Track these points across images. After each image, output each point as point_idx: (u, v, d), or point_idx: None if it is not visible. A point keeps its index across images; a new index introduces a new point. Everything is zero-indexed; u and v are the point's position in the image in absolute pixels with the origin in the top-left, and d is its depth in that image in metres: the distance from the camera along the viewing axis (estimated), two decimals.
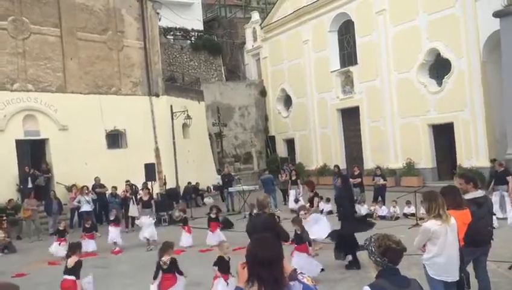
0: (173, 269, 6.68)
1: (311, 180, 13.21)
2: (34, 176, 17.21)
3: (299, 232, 8.05)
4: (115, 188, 16.95)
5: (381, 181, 16.46)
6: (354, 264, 8.68)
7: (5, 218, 15.05)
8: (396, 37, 21.85)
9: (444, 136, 20.50)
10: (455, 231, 4.79)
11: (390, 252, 2.94)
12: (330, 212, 14.52)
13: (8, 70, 17.45)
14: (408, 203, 14.48)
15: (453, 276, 4.73)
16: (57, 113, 18.32)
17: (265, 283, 2.51)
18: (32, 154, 18.18)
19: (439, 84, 20.49)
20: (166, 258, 6.64)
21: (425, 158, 20.99)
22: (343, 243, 8.90)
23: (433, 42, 20.27)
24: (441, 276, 4.71)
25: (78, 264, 7.12)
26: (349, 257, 8.81)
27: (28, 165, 17.48)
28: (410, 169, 20.94)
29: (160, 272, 6.70)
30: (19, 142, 17.47)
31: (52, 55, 18.63)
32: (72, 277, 6.94)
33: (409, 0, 20.98)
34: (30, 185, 16.94)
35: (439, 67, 20.70)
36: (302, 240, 7.98)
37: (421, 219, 13.09)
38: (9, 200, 15.86)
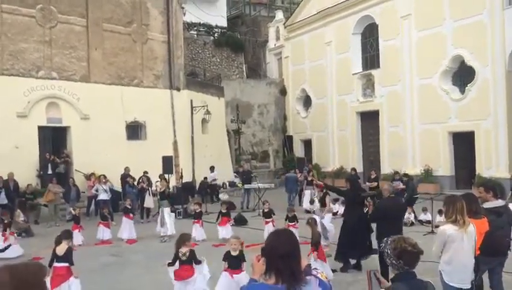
0: (192, 260, 6.76)
1: (320, 184, 13.25)
2: (54, 162, 17.51)
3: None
4: (132, 178, 17.14)
5: (401, 185, 16.30)
6: (356, 267, 8.72)
7: (26, 202, 15.36)
8: (421, 42, 21.64)
9: (464, 144, 20.24)
10: (473, 238, 4.76)
11: (406, 255, 2.94)
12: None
13: (34, 58, 17.76)
14: (424, 210, 14.38)
15: (468, 283, 4.71)
16: (80, 102, 18.59)
17: (283, 276, 2.54)
18: (54, 141, 18.50)
19: (462, 91, 20.24)
20: (185, 250, 6.73)
21: (444, 166, 20.77)
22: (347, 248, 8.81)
23: (458, 49, 20.02)
24: (455, 282, 4.69)
25: (69, 251, 7.11)
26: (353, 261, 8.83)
27: (49, 151, 17.79)
28: (427, 176, 20.75)
29: (178, 262, 6.79)
30: (41, 129, 17.78)
31: (78, 45, 18.91)
32: (65, 264, 6.90)
33: (435, 6, 20.74)
34: (50, 172, 17.24)
35: (462, 75, 20.45)
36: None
37: (436, 226, 13.00)
38: (28, 185, 16.19)
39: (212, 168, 21.07)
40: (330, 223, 10.88)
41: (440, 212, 13.77)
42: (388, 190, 7.91)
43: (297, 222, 11.31)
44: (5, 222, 11.35)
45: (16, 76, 17.24)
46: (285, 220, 11.27)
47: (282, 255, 2.57)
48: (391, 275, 3.12)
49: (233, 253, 6.81)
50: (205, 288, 6.93)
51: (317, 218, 9.63)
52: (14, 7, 17.24)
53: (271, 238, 2.71)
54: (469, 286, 4.74)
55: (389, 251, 3.01)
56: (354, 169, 19.95)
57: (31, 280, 1.96)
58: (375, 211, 8.01)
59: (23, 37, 17.50)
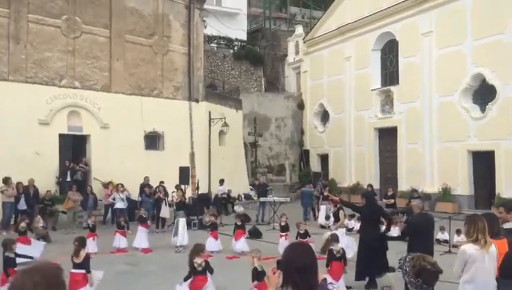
0: (207, 270, 6.79)
1: (335, 200, 13.15)
2: (73, 170, 17.76)
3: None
4: (150, 188, 17.27)
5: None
6: (371, 286, 8.60)
7: (46, 208, 15.58)
8: (441, 59, 21.52)
9: (483, 163, 19.94)
10: (494, 258, 4.69)
11: (425, 273, 2.91)
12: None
13: (57, 67, 18.14)
14: (442, 229, 14.17)
15: None
16: (100, 111, 18.87)
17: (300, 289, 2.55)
18: (74, 149, 18.77)
19: (483, 110, 20.02)
20: (200, 260, 6.76)
21: (463, 185, 20.48)
22: (366, 264, 8.70)
23: (479, 67, 19.86)
24: None
25: (87, 258, 7.27)
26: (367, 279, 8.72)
27: (69, 159, 18.06)
28: (445, 194, 20.47)
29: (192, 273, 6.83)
30: (62, 137, 18.05)
31: (100, 55, 19.26)
32: (82, 271, 7.06)
33: (456, 24, 20.64)
34: (69, 179, 17.49)
35: (483, 93, 20.24)
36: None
37: (454, 246, 12.82)
38: (47, 192, 16.42)
39: (221, 181, 20.92)
40: (345, 238, 10.79)
41: (458, 231, 13.61)
42: (418, 206, 7.94)
43: (310, 237, 11.25)
44: (22, 228, 11.50)
45: (39, 84, 17.60)
46: (296, 237, 11.15)
47: (299, 269, 2.58)
48: None
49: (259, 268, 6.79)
50: None
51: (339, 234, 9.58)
52: (40, 17, 17.67)
53: (288, 251, 2.72)
54: None
55: (407, 269, 2.98)
56: (370, 185, 19.81)
57: (57, 280, 2.05)
58: (407, 227, 8.04)
59: (48, 46, 17.90)
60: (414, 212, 7.94)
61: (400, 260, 3.13)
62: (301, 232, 11.25)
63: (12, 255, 7.98)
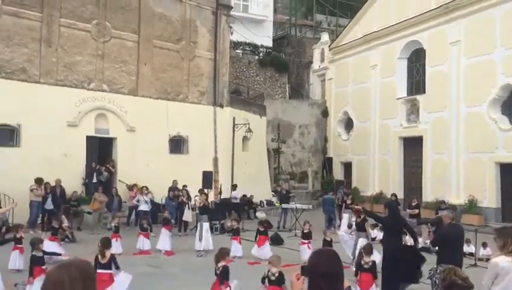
0: (222, 276, 6.81)
1: (358, 209, 12.99)
2: (100, 172, 18.06)
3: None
4: (177, 191, 17.43)
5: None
6: None
7: (71, 209, 15.89)
8: (469, 69, 21.18)
9: (511, 176, 19.52)
10: None
11: (455, 288, 2.84)
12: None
13: (87, 70, 18.53)
14: (467, 241, 13.86)
15: None
16: (127, 114, 19.18)
17: None
18: (100, 151, 19.12)
19: (511, 121, 19.61)
20: (220, 264, 6.81)
21: (490, 197, 20.05)
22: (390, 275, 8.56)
23: (509, 78, 19.48)
24: None
25: (112, 258, 7.42)
26: None
27: (96, 161, 18.38)
28: (471, 207, 20.08)
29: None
30: (89, 139, 18.40)
31: (128, 59, 19.60)
32: (108, 271, 7.18)
33: (486, 33, 20.30)
34: (95, 180, 17.80)
35: None
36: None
37: (480, 259, 12.57)
38: (74, 192, 16.76)
39: (234, 187, 20.69)
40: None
41: (484, 245, 13.35)
42: (449, 217, 7.86)
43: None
44: (54, 226, 11.76)
45: (69, 87, 18.00)
46: (323, 245, 11.05)
47: (324, 274, 2.58)
48: None
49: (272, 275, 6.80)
50: None
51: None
52: (72, 21, 18.10)
53: (314, 256, 2.72)
54: None
55: (437, 281, 2.94)
56: (394, 195, 19.51)
57: (91, 276, 2.12)
58: (436, 238, 8.01)
59: (78, 50, 18.31)
60: (444, 223, 7.85)
61: (430, 270, 3.09)
62: (328, 239, 11.18)
63: (40, 254, 8.15)
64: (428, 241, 14.53)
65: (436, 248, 7.70)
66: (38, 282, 7.62)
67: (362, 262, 8.07)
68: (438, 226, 10.04)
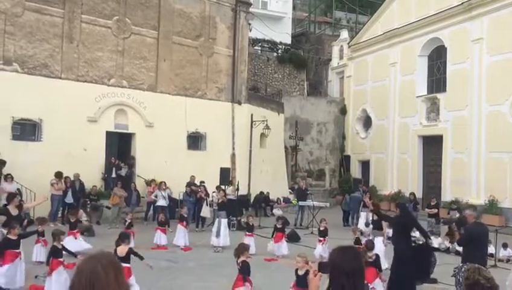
0: (243, 271, 6.84)
1: (376, 203, 12.90)
2: (119, 167, 18.26)
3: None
4: (194, 186, 17.52)
5: (457, 215, 15.89)
6: None
7: (88, 203, 16.10)
8: (492, 67, 20.83)
9: None
10: None
11: (477, 288, 2.79)
12: None
13: (107, 66, 18.72)
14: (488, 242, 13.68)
15: None
16: (146, 110, 19.32)
17: None
18: (119, 146, 19.33)
19: None
20: (240, 260, 6.84)
21: (510, 197, 19.73)
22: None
23: None
24: None
25: (130, 252, 7.53)
26: None
27: (115, 156, 18.59)
28: (492, 207, 19.78)
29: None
30: (108, 134, 18.59)
31: (148, 56, 19.74)
32: (127, 264, 7.28)
33: (509, 30, 19.92)
34: (114, 175, 18.00)
35: None
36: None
37: (500, 260, 12.38)
38: (93, 187, 17.00)
39: (230, 183, 18.98)
40: (382, 247, 10.61)
41: (504, 245, 13.16)
42: (473, 216, 7.93)
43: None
44: (72, 221, 11.93)
45: (89, 82, 18.21)
46: (354, 243, 10.88)
47: (347, 273, 2.58)
48: None
49: (300, 272, 6.78)
50: None
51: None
52: (93, 18, 18.30)
53: (337, 254, 2.72)
54: None
55: (460, 279, 2.91)
56: (413, 194, 19.37)
57: (120, 266, 2.19)
58: (464, 236, 8.00)
59: (99, 46, 18.51)
60: (468, 222, 7.85)
61: (455, 268, 3.07)
62: (360, 238, 11.10)
63: (59, 246, 8.28)
64: (446, 242, 14.42)
65: (460, 247, 7.69)
66: (56, 274, 7.75)
67: (366, 257, 8.05)
68: (462, 225, 9.99)
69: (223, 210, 13.55)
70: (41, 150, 16.51)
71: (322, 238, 12.26)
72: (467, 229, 8.11)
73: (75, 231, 11.60)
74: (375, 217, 12.17)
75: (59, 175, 15.73)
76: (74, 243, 11.00)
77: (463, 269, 2.87)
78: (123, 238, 7.88)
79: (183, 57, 20.80)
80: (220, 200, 13.74)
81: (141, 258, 7.81)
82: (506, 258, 12.84)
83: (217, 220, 13.45)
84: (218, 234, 12.87)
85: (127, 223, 12.72)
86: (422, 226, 10.99)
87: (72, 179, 16.40)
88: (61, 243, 8.37)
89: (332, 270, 2.63)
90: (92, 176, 17.38)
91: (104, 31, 18.63)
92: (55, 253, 8.07)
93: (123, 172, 18.15)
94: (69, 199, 16.06)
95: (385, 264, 9.61)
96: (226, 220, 13.42)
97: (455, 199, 21.08)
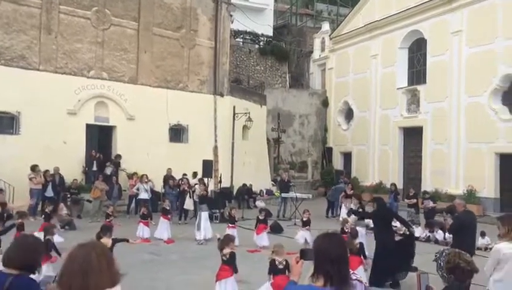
0: (231, 262, 6.85)
1: (359, 193, 13.11)
2: (100, 160, 18.04)
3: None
4: (173, 180, 17.44)
5: (431, 204, 16.29)
6: (393, 286, 8.53)
7: (69, 196, 15.90)
8: (471, 59, 21.11)
9: (511, 166, 19.53)
10: None
11: (458, 271, 2.88)
12: None
13: (86, 58, 18.43)
14: None
15: None
16: (127, 102, 19.11)
17: (333, 279, 2.56)
18: (100, 139, 19.11)
19: None
20: (226, 251, 6.84)
21: (488, 187, 20.10)
22: (380, 270, 8.62)
23: (510, 68, 19.43)
24: None
25: (114, 243, 7.55)
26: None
27: (95, 149, 18.37)
28: (470, 197, 20.08)
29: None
30: (88, 127, 18.37)
31: (128, 47, 19.49)
32: None
33: (488, 23, 20.20)
34: (95, 168, 17.80)
35: None
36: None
37: (478, 248, 12.61)
38: (74, 180, 16.79)
39: (194, 174, 18.54)
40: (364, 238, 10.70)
41: (482, 234, 13.41)
42: (462, 204, 8.24)
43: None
44: (48, 212, 11.76)
45: (68, 74, 17.92)
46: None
47: (332, 259, 2.58)
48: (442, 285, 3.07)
49: (280, 265, 6.81)
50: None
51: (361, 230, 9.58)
52: (71, 9, 17.98)
53: (322, 241, 2.72)
54: None
55: (442, 263, 2.96)
56: (394, 184, 19.61)
57: (111, 253, 2.27)
58: (455, 224, 8.26)
59: (78, 37, 18.21)
60: (458, 210, 8.10)
61: (436, 253, 3.11)
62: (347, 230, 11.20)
63: (52, 241, 8.22)
64: (426, 231, 14.65)
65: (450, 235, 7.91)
66: (46, 267, 7.71)
67: (351, 245, 8.14)
68: (452, 214, 10.30)
69: (204, 203, 13.55)
70: (19, 143, 16.22)
71: (304, 228, 12.35)
72: (457, 217, 8.31)
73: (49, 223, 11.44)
74: (358, 206, 12.33)
75: (34, 168, 15.49)
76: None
77: (444, 254, 2.93)
78: (105, 231, 7.80)
79: (164, 49, 20.59)
80: (201, 193, 13.73)
81: (127, 240, 8.06)
82: (485, 246, 13.08)
83: (198, 213, 13.43)
84: (199, 227, 12.85)
85: (105, 215, 12.66)
86: (403, 216, 11.20)
87: (51, 172, 16.17)
88: (53, 235, 8.29)
89: (317, 256, 2.63)
90: (72, 170, 17.16)
91: (83, 22, 18.33)
92: (50, 247, 8.04)
93: (108, 171, 17.85)
94: (49, 192, 15.84)
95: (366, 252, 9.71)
96: (206, 213, 13.39)
97: (435, 189, 21.40)
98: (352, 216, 15.09)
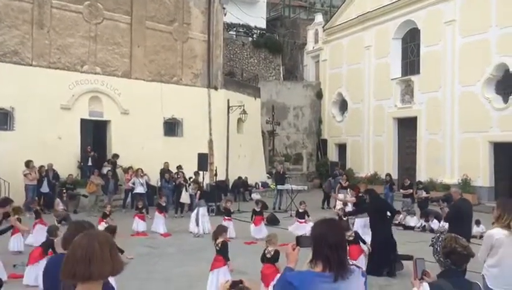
0: (223, 251, 6.88)
1: (357, 185, 13.18)
2: (94, 158, 17.97)
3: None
4: (168, 173, 17.44)
5: (424, 194, 16.42)
6: (389, 274, 8.62)
7: (65, 191, 15.88)
8: (464, 49, 21.17)
9: (505, 155, 19.66)
10: None
11: (454, 255, 2.91)
12: None
13: (79, 53, 18.33)
14: None
15: None
16: (121, 97, 19.05)
17: (331, 265, 2.59)
18: (95, 134, 19.06)
19: (505, 100, 19.69)
20: (219, 241, 6.88)
21: (483, 176, 20.24)
22: (378, 258, 8.70)
23: (503, 57, 19.50)
24: (500, 287, 4.60)
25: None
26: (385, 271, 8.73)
27: (90, 144, 18.33)
28: (465, 186, 20.20)
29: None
30: (83, 122, 18.31)
31: (121, 42, 19.40)
32: None
33: (481, 12, 20.24)
34: (90, 163, 17.77)
35: (506, 84, 19.89)
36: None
37: (473, 236, 12.72)
38: (69, 175, 16.75)
39: (179, 167, 18.43)
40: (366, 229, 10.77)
41: (477, 222, 13.50)
42: (458, 192, 8.52)
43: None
44: (35, 210, 11.72)
45: (62, 69, 17.83)
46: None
47: (331, 245, 2.61)
48: (438, 271, 3.10)
49: (268, 254, 6.87)
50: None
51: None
52: (64, 3, 17.84)
53: (320, 227, 2.75)
54: None
55: (438, 248, 2.99)
56: (389, 175, 19.69)
57: (114, 242, 2.30)
58: (452, 212, 8.40)
59: (70, 32, 18.09)
60: (454, 199, 8.25)
61: (432, 238, 3.14)
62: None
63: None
64: (422, 221, 14.76)
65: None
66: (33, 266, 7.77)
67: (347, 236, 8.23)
68: (448, 203, 10.48)
69: (201, 199, 13.63)
70: (14, 139, 16.15)
71: (301, 220, 12.41)
72: (454, 205, 8.44)
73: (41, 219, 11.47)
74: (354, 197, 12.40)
75: (28, 164, 15.44)
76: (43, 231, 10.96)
77: (440, 239, 2.97)
78: (109, 231, 7.82)
79: (158, 43, 20.51)
80: (194, 193, 13.82)
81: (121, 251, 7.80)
82: (480, 234, 13.19)
83: (196, 208, 13.46)
84: (197, 223, 12.91)
85: (102, 213, 12.66)
86: (398, 206, 11.31)
87: (46, 168, 16.13)
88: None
89: (316, 242, 2.66)
90: (67, 165, 17.13)
91: (76, 16, 18.22)
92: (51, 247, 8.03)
93: (105, 170, 17.73)
94: (45, 188, 15.83)
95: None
96: (204, 208, 13.43)
97: (430, 179, 21.53)
98: (349, 206, 15.21)
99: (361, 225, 10.85)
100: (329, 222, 2.79)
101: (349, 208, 15.05)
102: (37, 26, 17.22)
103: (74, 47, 18.20)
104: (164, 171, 17.64)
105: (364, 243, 8.53)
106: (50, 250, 8.00)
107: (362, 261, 8.07)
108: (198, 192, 14.29)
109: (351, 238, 8.17)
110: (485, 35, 20.12)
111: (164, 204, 13.75)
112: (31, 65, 17.08)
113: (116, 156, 18.34)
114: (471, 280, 3.05)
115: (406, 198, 17.50)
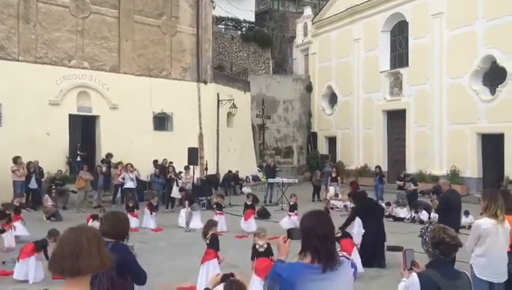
0: (213, 244, 6.90)
1: (355, 181, 13.30)
2: (82, 156, 17.81)
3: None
4: (159, 168, 17.38)
5: (412, 186, 16.55)
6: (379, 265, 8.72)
7: (54, 187, 15.77)
8: (452, 41, 21.31)
9: (492, 146, 19.87)
10: (507, 234, 4.77)
11: (443, 245, 2.96)
12: None
13: (66, 47, 18.14)
14: None
15: (501, 277, 4.68)
16: (109, 92, 18.91)
17: (320, 256, 2.61)
18: (83, 129, 18.93)
19: (493, 92, 19.88)
20: (208, 235, 6.91)
21: (471, 167, 20.45)
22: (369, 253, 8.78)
23: (490, 49, 19.66)
24: (487, 276, 4.67)
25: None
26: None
27: (79, 139, 18.22)
28: (454, 177, 20.40)
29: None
30: (71, 117, 18.16)
31: (109, 36, 19.22)
32: None
33: (468, 4, 20.38)
34: (79, 159, 17.64)
35: (493, 75, 20.06)
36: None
37: (462, 227, 12.87)
38: (58, 171, 16.63)
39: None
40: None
41: (466, 213, 13.65)
42: (447, 184, 8.67)
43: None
44: (15, 207, 11.55)
45: (49, 64, 17.64)
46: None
47: (320, 236, 2.64)
48: (427, 261, 3.14)
49: (259, 248, 6.90)
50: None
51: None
52: None
53: (309, 219, 2.77)
54: (502, 280, 4.71)
55: (427, 239, 3.03)
56: (378, 167, 19.82)
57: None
58: (441, 203, 8.60)
59: (57, 26, 17.89)
60: (443, 190, 8.41)
61: (421, 229, 3.19)
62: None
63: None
64: (412, 212, 14.89)
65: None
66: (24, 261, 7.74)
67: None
68: (438, 194, 10.65)
69: (193, 202, 13.65)
70: (2, 135, 16.00)
71: (291, 213, 12.45)
72: (443, 197, 8.57)
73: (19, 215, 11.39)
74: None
75: (16, 160, 15.30)
76: (23, 227, 10.98)
77: (429, 229, 3.02)
78: (49, 235, 7.92)
79: (146, 37, 20.36)
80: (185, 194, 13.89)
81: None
82: (468, 224, 13.33)
83: (189, 211, 13.40)
84: (188, 223, 12.94)
85: (95, 216, 12.54)
86: (389, 197, 11.38)
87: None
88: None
89: (305, 234, 2.68)
90: (56, 160, 17.01)
91: (62, 10, 18.01)
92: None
93: (103, 169, 17.53)
94: (33, 184, 15.71)
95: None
96: (198, 212, 13.45)
97: (419, 170, 21.71)
98: (340, 196, 15.32)
99: (358, 224, 10.86)
100: (317, 214, 2.81)
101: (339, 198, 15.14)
102: (23, 21, 17.01)
103: (61, 41, 18.01)
104: (161, 167, 17.52)
105: (351, 238, 8.58)
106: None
107: (356, 255, 8.11)
108: (187, 201, 13.96)
109: (339, 234, 8.20)
110: (472, 27, 20.26)
111: (155, 204, 13.64)
112: (17, 60, 16.88)
113: (110, 155, 18.17)
114: (459, 270, 3.09)
115: (399, 190, 17.62)
